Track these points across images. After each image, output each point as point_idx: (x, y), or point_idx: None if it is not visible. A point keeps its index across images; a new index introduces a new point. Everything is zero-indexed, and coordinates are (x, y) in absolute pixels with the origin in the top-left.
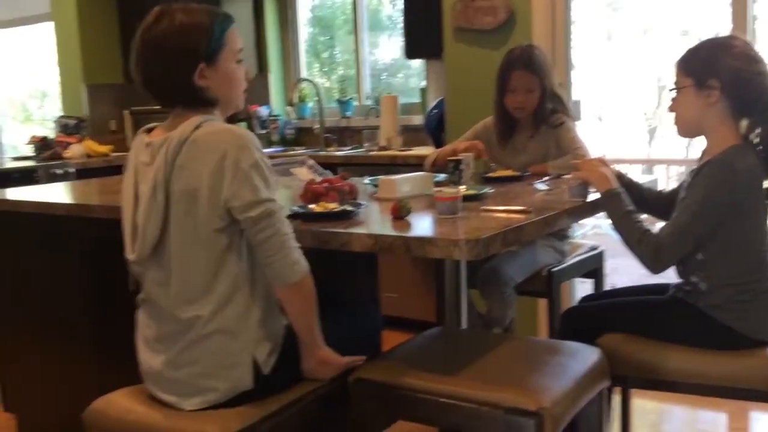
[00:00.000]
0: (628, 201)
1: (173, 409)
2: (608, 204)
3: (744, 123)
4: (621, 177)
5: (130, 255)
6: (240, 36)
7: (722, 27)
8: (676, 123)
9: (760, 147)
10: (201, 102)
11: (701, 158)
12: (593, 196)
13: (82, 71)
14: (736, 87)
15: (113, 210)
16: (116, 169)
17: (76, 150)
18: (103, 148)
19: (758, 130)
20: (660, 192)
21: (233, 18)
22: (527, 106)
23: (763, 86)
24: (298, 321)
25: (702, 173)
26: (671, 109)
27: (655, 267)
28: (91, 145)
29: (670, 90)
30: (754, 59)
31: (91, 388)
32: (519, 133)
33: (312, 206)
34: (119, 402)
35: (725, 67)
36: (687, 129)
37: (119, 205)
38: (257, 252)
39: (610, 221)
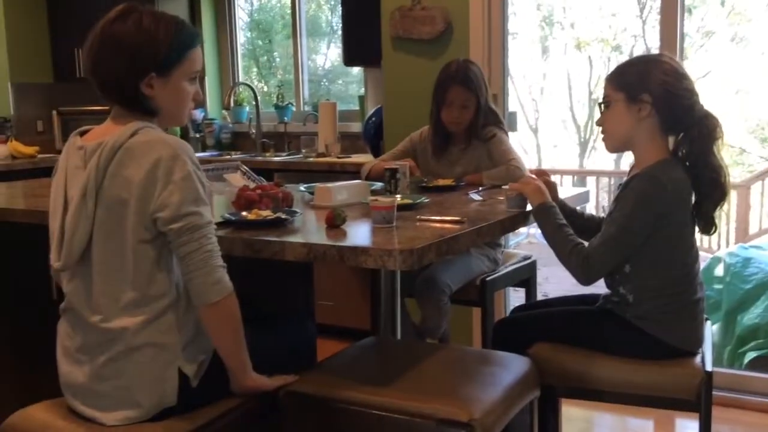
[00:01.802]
0: (560, 215)
1: (94, 424)
2: (541, 216)
3: (672, 139)
4: (563, 206)
5: (55, 262)
6: (201, 55)
7: (653, 43)
8: (605, 137)
9: (687, 162)
10: (142, 109)
11: (630, 172)
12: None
13: (8, 69)
14: (666, 102)
15: (37, 214)
16: (43, 171)
17: (0, 151)
18: (29, 150)
19: (685, 146)
20: (596, 216)
21: (201, 37)
22: (463, 121)
23: (691, 102)
24: (221, 344)
25: (630, 186)
26: (600, 123)
27: (585, 278)
28: (17, 146)
29: (600, 104)
30: (683, 76)
31: (8, 401)
32: (453, 145)
33: (244, 213)
34: (37, 416)
35: (657, 83)
36: (616, 143)
37: (44, 209)
38: (180, 266)
39: (542, 233)
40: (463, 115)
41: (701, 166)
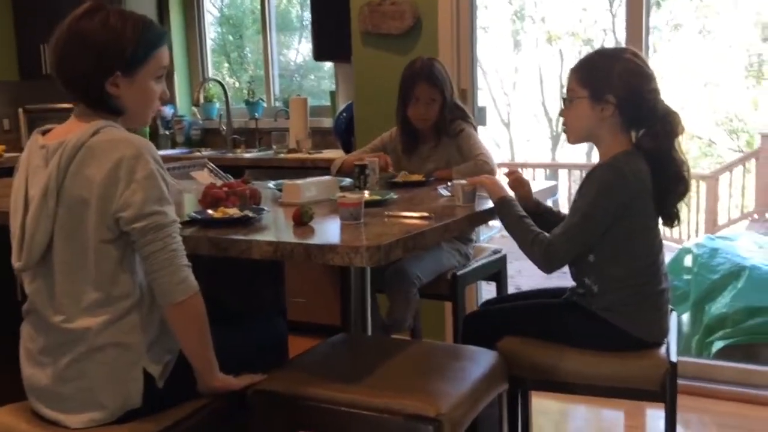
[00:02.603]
0: (520, 208)
1: (58, 427)
2: (501, 209)
3: (633, 133)
4: (538, 204)
5: (16, 262)
6: (167, 54)
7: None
8: (567, 131)
9: (650, 156)
10: (106, 107)
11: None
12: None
13: None
14: (630, 103)
15: (1, 215)
16: (9, 171)
17: None
18: None
19: (647, 141)
20: None
21: (168, 36)
22: (429, 117)
23: (654, 102)
24: (186, 344)
25: (592, 177)
26: (563, 115)
27: (547, 266)
28: None
29: (564, 97)
30: (647, 76)
31: None
32: (423, 143)
33: (211, 211)
34: (1, 419)
35: (621, 84)
36: (578, 136)
37: (5, 209)
38: (144, 266)
39: (504, 226)
40: (429, 111)
41: (664, 160)
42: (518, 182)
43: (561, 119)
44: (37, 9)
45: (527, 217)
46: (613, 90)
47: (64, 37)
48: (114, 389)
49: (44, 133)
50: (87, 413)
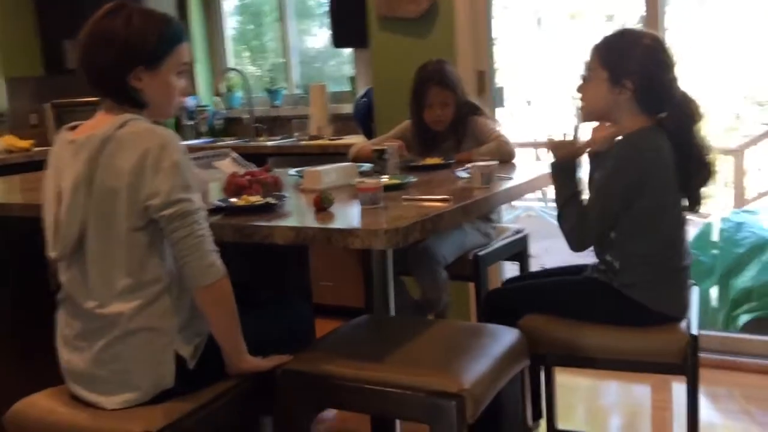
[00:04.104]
0: (577, 181)
1: (96, 409)
2: (560, 174)
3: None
4: None
5: (51, 252)
6: (188, 51)
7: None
8: (583, 107)
9: (673, 139)
10: (130, 101)
11: None
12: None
13: (0, 63)
14: (647, 91)
15: (33, 208)
16: (38, 165)
17: None
18: (24, 143)
19: (670, 124)
20: None
21: (188, 33)
22: (445, 119)
23: (673, 91)
24: (215, 326)
25: (610, 153)
26: (580, 90)
27: (577, 245)
28: (11, 140)
29: (583, 73)
30: (666, 64)
31: (13, 389)
32: (442, 141)
33: (234, 200)
34: (40, 403)
35: (639, 70)
36: (593, 115)
37: (39, 202)
38: (174, 252)
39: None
40: (445, 113)
41: (686, 145)
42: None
43: (578, 95)
44: (59, 4)
45: (579, 193)
46: (631, 75)
47: (89, 34)
48: (147, 371)
49: (72, 129)
50: (122, 394)
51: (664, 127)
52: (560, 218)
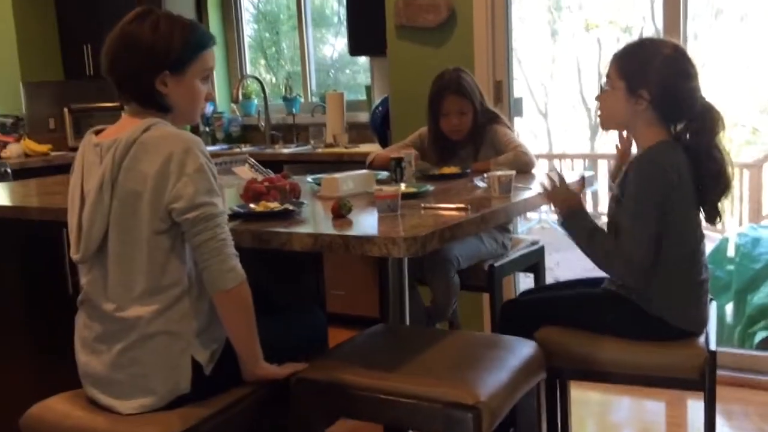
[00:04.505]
0: (589, 218)
1: (112, 413)
2: (569, 224)
3: (672, 126)
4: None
5: (74, 254)
6: (213, 57)
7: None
8: (602, 116)
9: (690, 151)
10: (156, 105)
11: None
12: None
13: (20, 68)
14: (665, 100)
15: (52, 212)
16: (56, 169)
17: (13, 149)
18: (42, 148)
19: (688, 135)
20: None
21: (215, 39)
22: (463, 128)
23: (692, 99)
24: (233, 331)
25: (632, 172)
26: (599, 99)
27: (635, 278)
28: (30, 145)
29: (603, 83)
30: (686, 73)
31: (29, 393)
32: (461, 148)
33: (253, 206)
34: (57, 407)
35: (657, 80)
36: (611, 124)
37: (58, 206)
38: (195, 255)
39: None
40: (463, 122)
41: (704, 157)
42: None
43: (596, 104)
44: (80, 10)
45: (597, 228)
46: (648, 86)
47: (116, 39)
48: (165, 375)
49: (97, 133)
50: (139, 399)
51: (681, 140)
52: (590, 254)
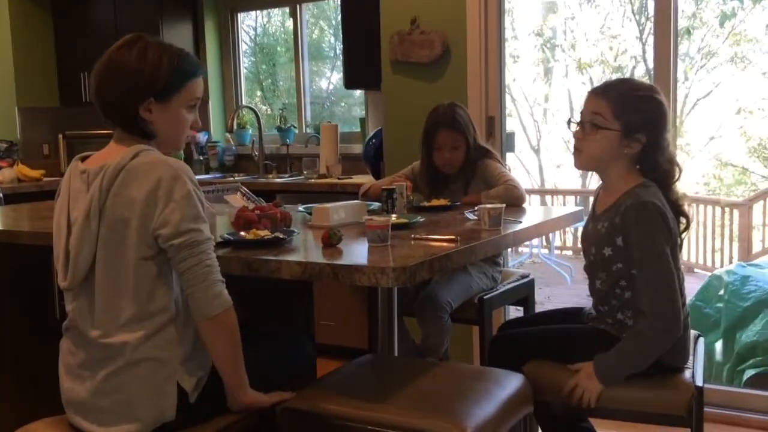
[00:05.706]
0: (611, 356)
1: None
2: (610, 378)
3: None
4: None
5: (62, 282)
6: (201, 86)
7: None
8: (579, 155)
9: (661, 188)
10: (139, 132)
11: (598, 192)
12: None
13: (15, 93)
14: (654, 145)
15: (42, 236)
16: (48, 194)
17: (6, 174)
18: (35, 173)
19: (653, 178)
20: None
21: (204, 69)
22: (455, 162)
23: (667, 145)
24: (219, 358)
25: (631, 219)
26: (578, 136)
27: (675, 333)
28: (23, 170)
29: (587, 120)
30: (668, 120)
31: (11, 418)
32: (452, 182)
33: (243, 233)
34: (39, 431)
35: (653, 125)
36: (589, 164)
37: (49, 231)
38: (181, 281)
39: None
40: (455, 156)
41: (669, 197)
42: None
43: (573, 140)
44: (77, 38)
45: (618, 348)
46: (645, 130)
47: (104, 64)
48: (150, 402)
49: (83, 159)
50: (122, 426)
51: (650, 179)
52: (649, 357)
